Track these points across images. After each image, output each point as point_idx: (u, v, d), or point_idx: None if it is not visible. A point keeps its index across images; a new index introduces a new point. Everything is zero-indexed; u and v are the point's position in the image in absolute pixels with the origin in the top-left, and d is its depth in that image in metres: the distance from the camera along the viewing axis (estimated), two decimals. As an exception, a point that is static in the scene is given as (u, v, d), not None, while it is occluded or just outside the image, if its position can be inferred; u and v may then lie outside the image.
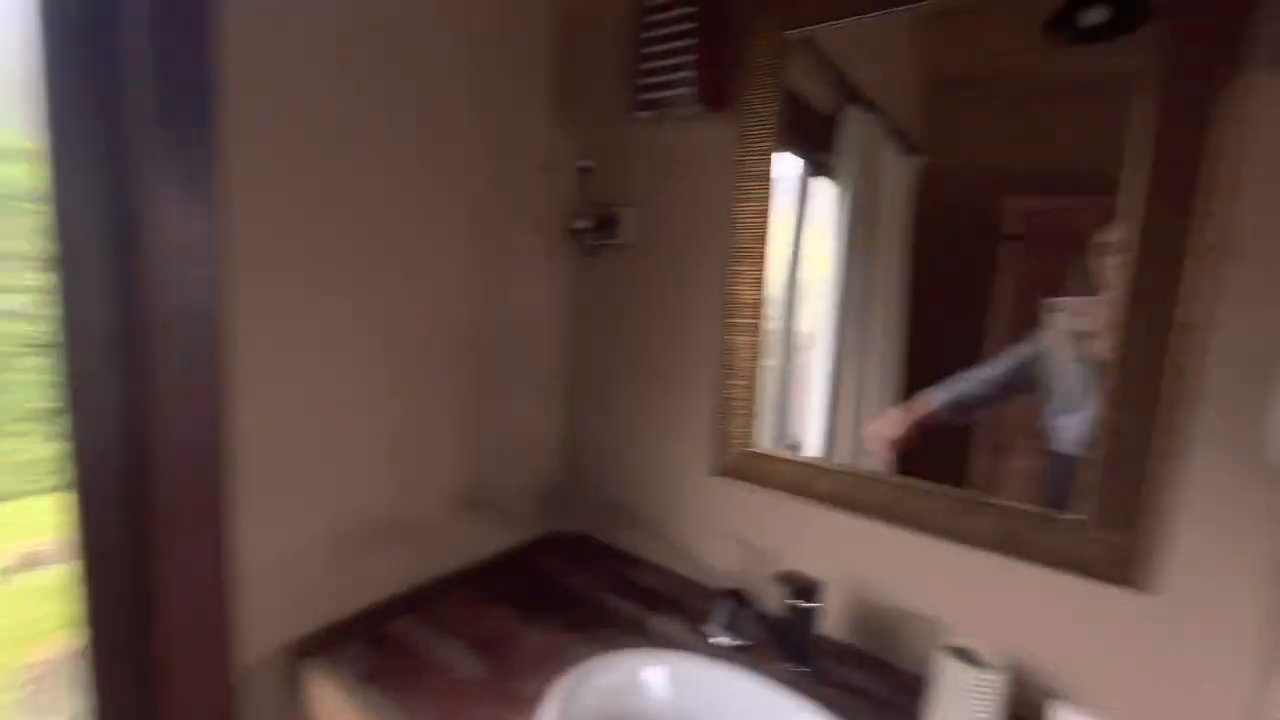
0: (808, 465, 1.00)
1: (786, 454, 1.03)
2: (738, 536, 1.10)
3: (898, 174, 0.93)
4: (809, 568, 0.99)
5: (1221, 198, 0.67)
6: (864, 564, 0.97)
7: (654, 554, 1.21)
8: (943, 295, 0.92)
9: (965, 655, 0.79)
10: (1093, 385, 0.77)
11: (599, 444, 1.29)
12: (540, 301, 1.24)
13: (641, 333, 1.19)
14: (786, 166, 1.00)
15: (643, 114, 1.07)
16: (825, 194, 1.01)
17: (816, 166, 1.03)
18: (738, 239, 1.03)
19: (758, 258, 1.01)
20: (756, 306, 1.02)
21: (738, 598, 0.89)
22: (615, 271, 1.22)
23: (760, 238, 1.00)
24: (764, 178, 0.99)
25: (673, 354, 1.15)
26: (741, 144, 1.01)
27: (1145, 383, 0.72)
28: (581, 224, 1.13)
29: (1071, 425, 0.81)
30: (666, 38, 1.00)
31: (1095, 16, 0.73)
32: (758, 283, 1.01)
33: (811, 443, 1.04)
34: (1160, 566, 0.74)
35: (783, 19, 0.95)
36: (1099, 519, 0.76)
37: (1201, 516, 0.71)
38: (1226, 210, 0.68)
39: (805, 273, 1.05)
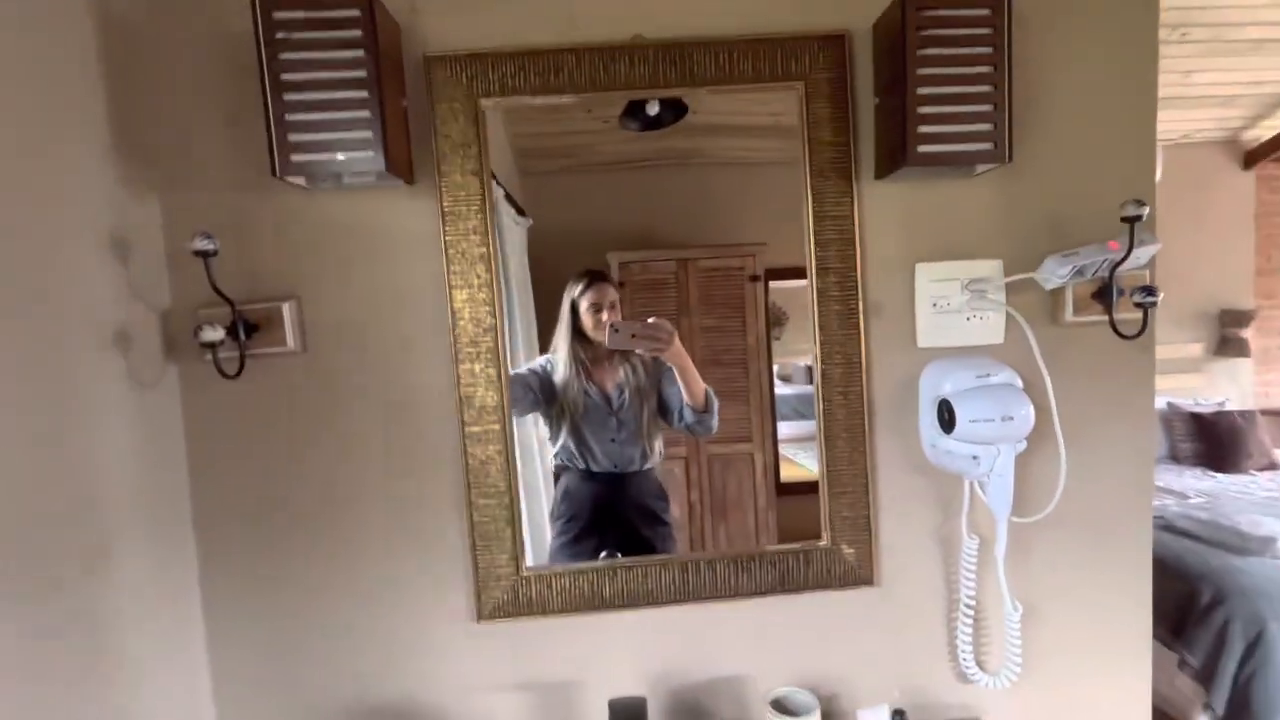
0: (589, 570, 0.89)
1: (567, 565, 0.91)
2: (526, 683, 0.91)
3: (514, 234, 0.92)
4: (614, 686, 0.89)
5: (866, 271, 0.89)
6: (668, 655, 0.92)
7: (409, 752, 0.91)
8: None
9: (781, 705, 0.83)
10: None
11: (296, 636, 0.89)
12: (127, 462, 0.78)
13: (328, 474, 0.88)
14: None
15: (294, 179, 0.78)
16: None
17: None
18: (460, 332, 0.85)
19: (489, 350, 0.86)
20: (498, 408, 0.86)
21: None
22: (270, 393, 0.86)
23: (489, 329, 0.85)
24: (482, 259, 0.85)
25: (392, 487, 0.88)
26: (450, 223, 0.84)
27: (848, 415, 0.89)
28: (211, 334, 0.75)
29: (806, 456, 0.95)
30: (322, 84, 0.74)
31: (653, 109, 0.88)
32: (495, 381, 0.86)
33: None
34: (879, 560, 0.92)
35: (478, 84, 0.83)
36: (840, 538, 0.90)
37: (896, 514, 0.92)
38: (869, 287, 0.89)
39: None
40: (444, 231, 0.84)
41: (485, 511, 0.87)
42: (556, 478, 0.96)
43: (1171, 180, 2.06)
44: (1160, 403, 3.35)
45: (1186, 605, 2.09)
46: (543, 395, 0.93)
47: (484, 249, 0.84)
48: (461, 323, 0.85)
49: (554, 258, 0.93)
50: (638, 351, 0.92)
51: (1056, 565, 0.94)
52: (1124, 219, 0.78)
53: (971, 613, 0.90)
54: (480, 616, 0.88)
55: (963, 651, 0.91)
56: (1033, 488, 0.90)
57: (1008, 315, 0.89)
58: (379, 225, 0.86)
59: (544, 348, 0.94)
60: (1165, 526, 2.36)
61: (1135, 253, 0.80)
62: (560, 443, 0.96)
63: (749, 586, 0.90)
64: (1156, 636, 2.15)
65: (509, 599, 0.88)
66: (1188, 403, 3.21)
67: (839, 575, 0.91)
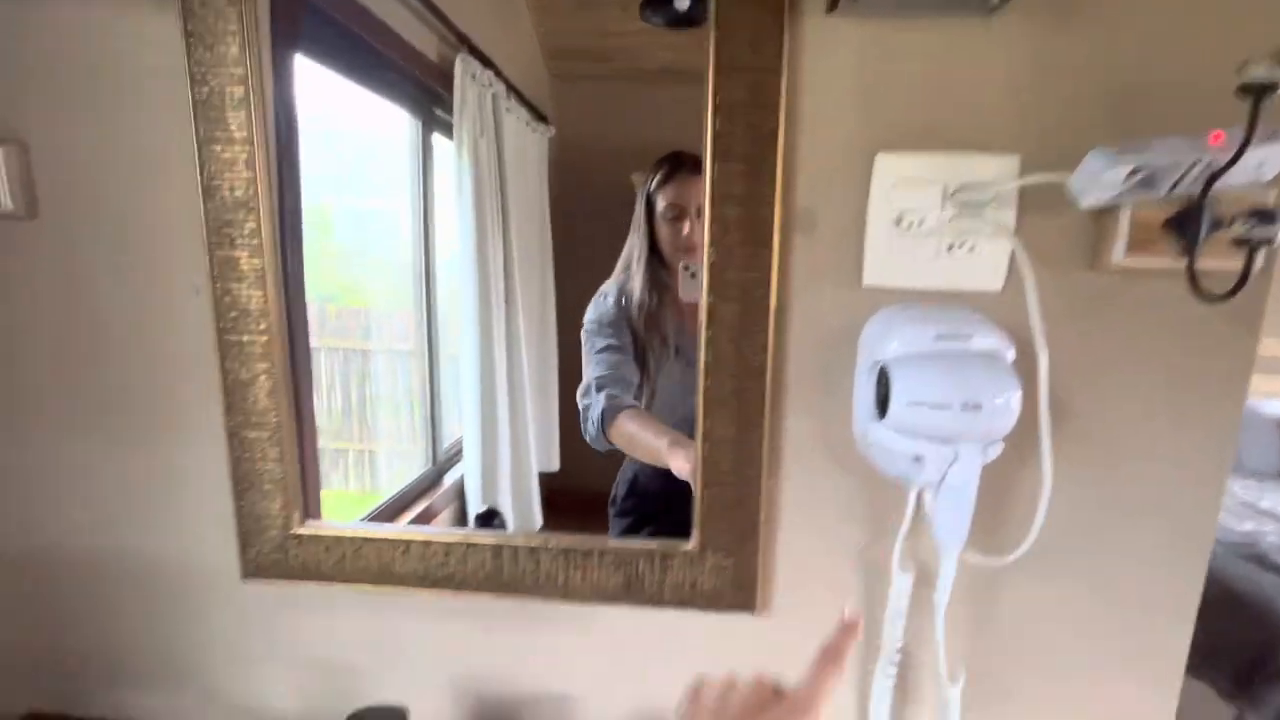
0: (379, 539, 0.69)
1: (364, 530, 0.70)
2: (302, 659, 0.74)
3: (527, 142, 0.73)
4: (402, 680, 0.70)
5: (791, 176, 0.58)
6: (474, 655, 0.72)
7: (176, 715, 0.76)
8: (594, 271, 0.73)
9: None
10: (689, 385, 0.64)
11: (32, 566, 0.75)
12: None
13: (65, 372, 0.70)
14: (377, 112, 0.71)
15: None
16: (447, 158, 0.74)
17: (429, 123, 0.76)
18: (217, 204, 0.63)
19: (250, 233, 0.63)
20: (264, 314, 0.64)
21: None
22: None
23: (248, 205, 0.62)
24: (241, 106, 0.61)
25: (131, 402, 0.70)
26: (197, 50, 0.60)
27: (740, 376, 0.61)
28: None
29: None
30: None
31: (682, 3, 0.59)
32: (260, 275, 0.64)
33: (471, 485, 0.76)
34: (768, 580, 0.66)
35: None
36: (713, 544, 0.64)
37: (802, 522, 0.65)
38: (797, 188, 0.58)
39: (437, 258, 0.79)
40: (189, 64, 0.60)
41: (251, 447, 0.67)
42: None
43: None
44: (1271, 408, 2.73)
45: (1264, 656, 1.69)
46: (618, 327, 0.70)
47: (243, 91, 0.60)
48: (215, 200, 0.62)
49: (579, 178, 0.73)
50: None
51: (1040, 628, 0.64)
52: (1244, 88, 0.44)
53: (894, 671, 0.63)
54: (245, 574, 0.70)
55: (876, 715, 0.65)
56: (1021, 510, 0.60)
57: (1013, 248, 0.56)
58: (111, 51, 0.63)
59: (566, 294, 0.73)
60: (1256, 558, 1.92)
61: (1256, 154, 0.46)
62: (611, 370, 0.71)
63: (583, 589, 0.67)
64: (1215, 685, 1.78)
65: (278, 558, 0.69)
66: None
67: (706, 592, 0.65)
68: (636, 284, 0.69)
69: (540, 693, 0.71)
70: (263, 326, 0.65)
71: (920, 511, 0.62)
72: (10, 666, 0.77)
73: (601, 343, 0.70)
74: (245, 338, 0.65)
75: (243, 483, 0.68)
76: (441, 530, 0.68)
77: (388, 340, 0.85)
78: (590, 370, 0.71)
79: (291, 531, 0.68)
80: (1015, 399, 0.51)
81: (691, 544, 0.65)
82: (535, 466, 0.78)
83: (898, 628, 0.62)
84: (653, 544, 0.65)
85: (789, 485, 0.64)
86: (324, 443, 0.74)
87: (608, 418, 0.70)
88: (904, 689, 0.66)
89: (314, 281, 0.69)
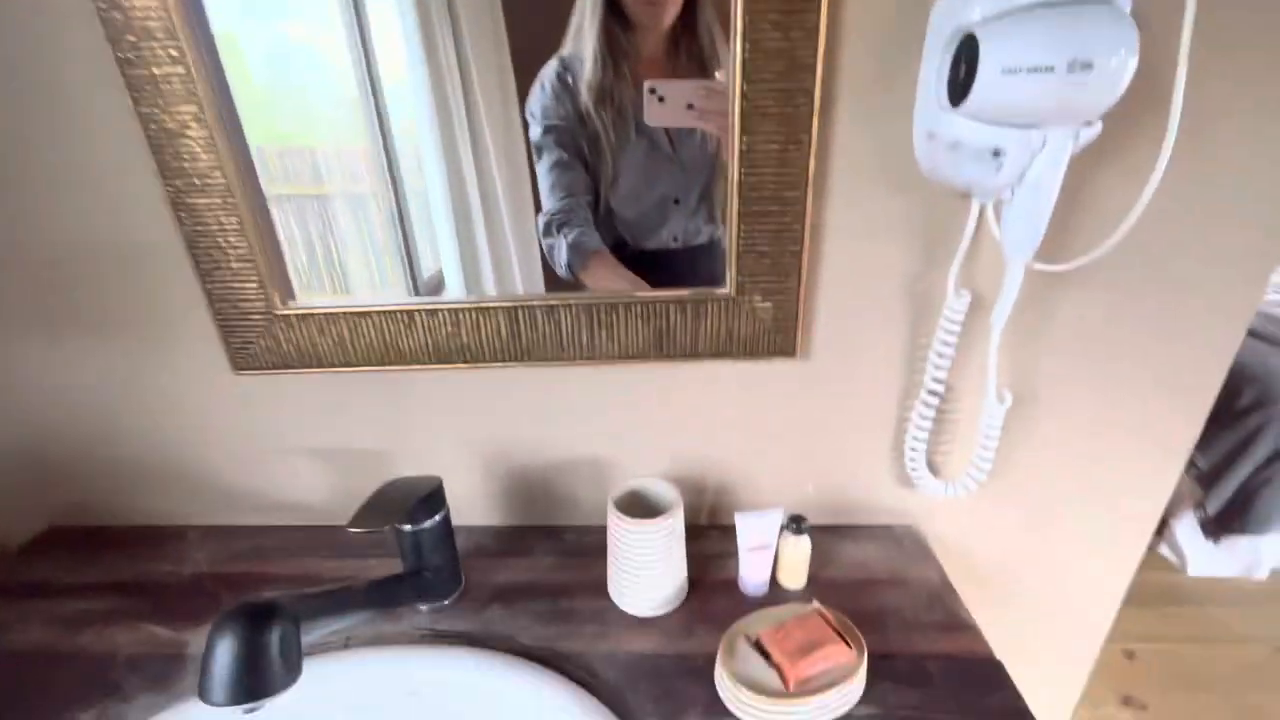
0: (375, 313, 0.61)
1: (360, 304, 0.62)
2: (320, 451, 0.71)
3: None
4: (426, 460, 0.68)
5: None
6: (499, 428, 0.69)
7: (198, 516, 0.75)
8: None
9: (636, 501, 0.61)
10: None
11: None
12: None
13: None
14: None
15: None
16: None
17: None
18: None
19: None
20: (174, 37, 0.50)
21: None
22: None
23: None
24: None
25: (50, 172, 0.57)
26: None
27: (786, 74, 0.50)
28: None
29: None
30: None
31: None
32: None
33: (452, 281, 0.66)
34: (810, 321, 0.61)
35: None
36: (750, 285, 0.58)
37: (848, 252, 0.58)
38: None
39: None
40: None
41: (202, 215, 0.57)
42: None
43: None
44: None
45: (1221, 406, 1.83)
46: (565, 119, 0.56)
47: None
48: None
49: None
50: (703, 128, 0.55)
51: (1084, 345, 0.62)
52: None
53: (936, 400, 0.62)
54: (236, 366, 0.64)
55: (912, 447, 0.65)
56: (1088, 220, 0.54)
57: None
58: None
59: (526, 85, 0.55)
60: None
61: None
62: (563, 201, 0.58)
63: (609, 348, 0.62)
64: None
65: (269, 345, 0.63)
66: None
67: (743, 340, 0.61)
68: (587, 51, 0.53)
69: (573, 458, 0.70)
70: (169, 42, 0.50)
71: (982, 229, 0.56)
72: (28, 485, 0.73)
73: (549, 158, 0.56)
74: (158, 71, 0.51)
75: (205, 260, 0.59)
76: (448, 299, 0.61)
77: (342, 183, 0.67)
78: (545, 201, 0.58)
79: (276, 312, 0.61)
80: (1132, 53, 0.42)
81: (726, 288, 0.59)
82: (521, 290, 0.67)
83: (946, 356, 0.59)
84: (684, 292, 0.59)
85: (835, 210, 0.56)
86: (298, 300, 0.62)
87: (576, 265, 0.59)
88: (940, 421, 0.65)
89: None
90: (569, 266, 0.59)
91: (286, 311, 0.61)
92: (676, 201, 0.59)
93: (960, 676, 0.53)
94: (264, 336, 0.62)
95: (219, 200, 0.56)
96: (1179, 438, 0.66)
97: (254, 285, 0.60)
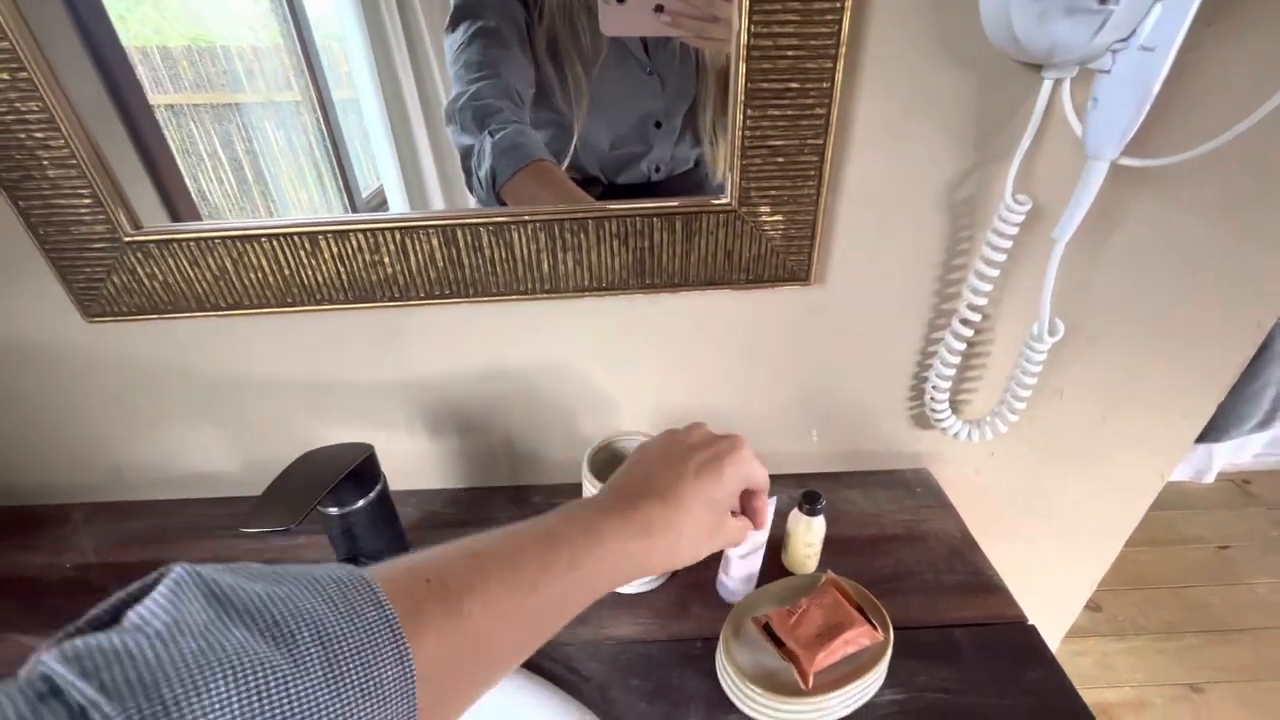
0: (267, 235, 0.46)
1: (241, 225, 0.46)
2: (223, 414, 0.57)
3: None
4: (366, 417, 0.56)
5: None
6: (450, 376, 0.56)
7: (84, 493, 0.62)
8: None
9: (610, 455, 0.51)
10: None
11: None
12: None
13: None
14: None
15: None
16: None
17: None
18: None
19: None
20: None
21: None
22: None
23: None
24: None
25: None
26: None
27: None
28: None
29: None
30: None
31: None
32: None
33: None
34: (827, 238, 0.49)
35: None
36: (756, 193, 0.45)
37: (880, 147, 0.45)
38: None
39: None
40: None
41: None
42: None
43: None
44: None
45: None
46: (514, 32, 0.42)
47: None
48: None
49: None
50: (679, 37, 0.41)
51: (1146, 268, 0.52)
52: None
53: (969, 331, 0.52)
54: (89, 313, 0.49)
55: (936, 385, 0.56)
56: (1182, 108, 0.42)
57: None
58: None
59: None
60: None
61: None
62: (487, 84, 0.43)
63: (576, 275, 0.49)
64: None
65: (126, 282, 0.47)
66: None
67: (745, 263, 0.49)
68: None
69: (538, 412, 0.59)
70: None
71: (1051, 115, 0.44)
72: None
73: (471, 26, 0.41)
74: None
75: (6, 163, 0.42)
76: (359, 217, 0.46)
77: (265, 91, 0.50)
78: (457, 83, 0.43)
79: (126, 239, 0.45)
80: None
81: (726, 198, 0.46)
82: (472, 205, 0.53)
83: (987, 280, 0.49)
84: (673, 202, 0.46)
85: (868, 92, 0.43)
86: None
87: (501, 176, 0.44)
88: (968, 355, 0.56)
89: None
90: (490, 178, 0.45)
91: (140, 237, 0.45)
92: (658, 125, 0.47)
93: (992, 647, 0.47)
94: (115, 272, 0.47)
95: (6, 76, 0.39)
96: (1223, 371, 0.59)
97: (86, 202, 0.43)
